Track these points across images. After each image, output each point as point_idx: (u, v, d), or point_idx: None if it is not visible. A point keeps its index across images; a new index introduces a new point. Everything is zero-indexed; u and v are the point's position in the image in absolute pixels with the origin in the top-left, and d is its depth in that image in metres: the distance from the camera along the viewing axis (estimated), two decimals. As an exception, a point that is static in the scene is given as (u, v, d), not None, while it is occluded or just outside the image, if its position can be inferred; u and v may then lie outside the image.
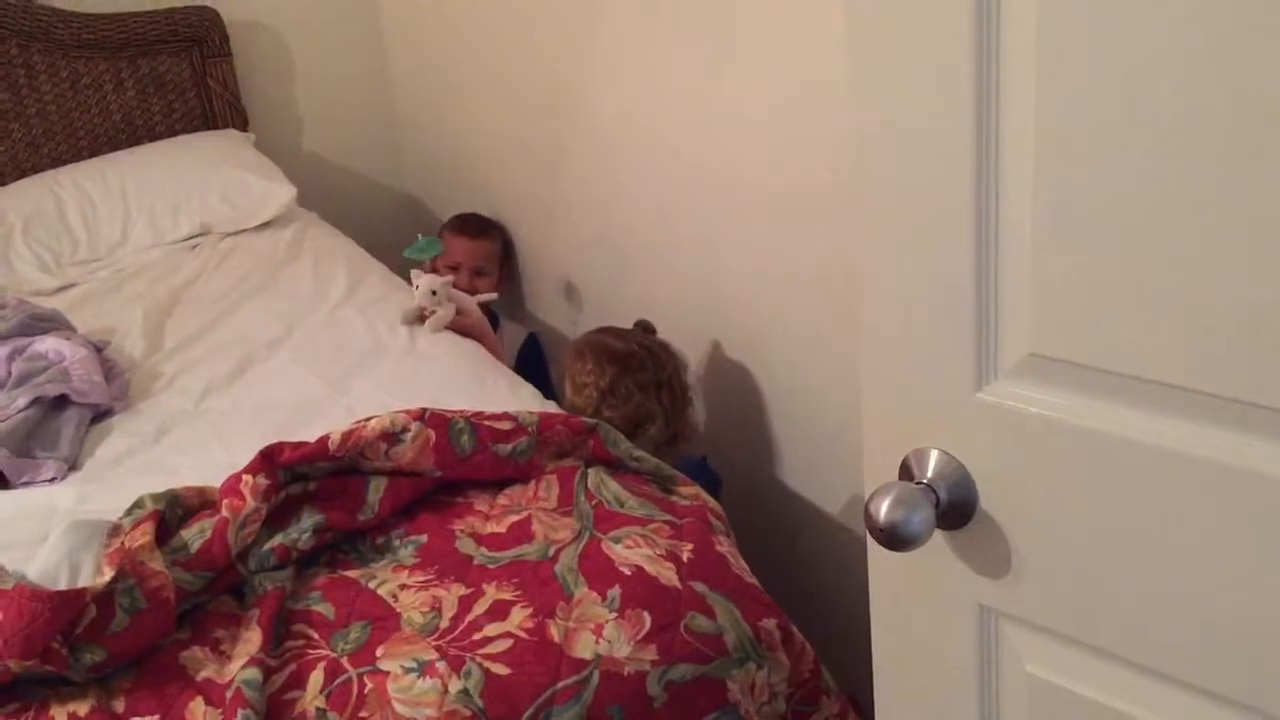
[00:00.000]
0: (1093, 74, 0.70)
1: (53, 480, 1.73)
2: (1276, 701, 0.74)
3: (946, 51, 0.76)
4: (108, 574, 1.32)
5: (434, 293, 2.16)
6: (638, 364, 1.87)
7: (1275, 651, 0.73)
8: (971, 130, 0.77)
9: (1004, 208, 0.78)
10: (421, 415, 1.59)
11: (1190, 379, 0.72)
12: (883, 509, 0.83)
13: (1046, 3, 0.71)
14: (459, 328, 2.20)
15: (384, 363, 2.05)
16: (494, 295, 2.55)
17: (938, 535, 0.88)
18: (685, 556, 1.45)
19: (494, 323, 2.72)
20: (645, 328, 2.03)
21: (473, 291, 2.61)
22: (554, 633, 1.34)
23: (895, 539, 0.84)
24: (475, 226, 2.74)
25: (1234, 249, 0.67)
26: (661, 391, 1.86)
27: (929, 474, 0.87)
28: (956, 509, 0.86)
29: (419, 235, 2.42)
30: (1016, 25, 0.73)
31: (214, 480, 1.55)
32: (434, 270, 2.66)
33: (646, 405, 1.85)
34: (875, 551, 0.95)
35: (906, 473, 0.89)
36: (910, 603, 0.96)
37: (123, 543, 1.39)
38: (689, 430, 1.96)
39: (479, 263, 2.66)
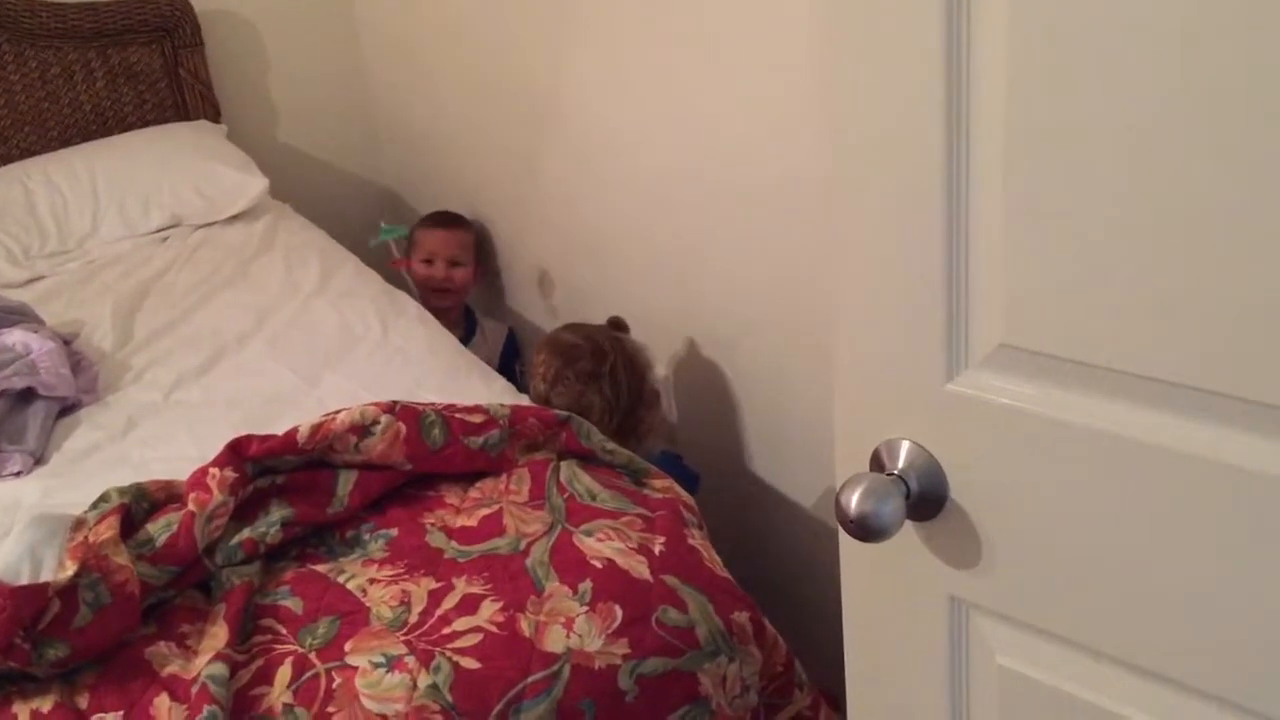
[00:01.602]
0: (1063, 66, 0.70)
1: (18, 474, 1.71)
2: (1245, 692, 0.74)
3: (916, 44, 0.76)
4: (70, 568, 1.30)
5: None
6: (577, 355, 1.90)
7: (1245, 642, 0.73)
8: (942, 122, 0.76)
9: (974, 199, 0.77)
10: (392, 408, 1.58)
11: (1161, 370, 0.72)
12: (853, 500, 0.83)
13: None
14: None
15: (356, 356, 2.04)
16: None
17: (908, 526, 0.88)
18: (657, 550, 1.44)
19: (472, 320, 2.71)
20: (615, 324, 2.03)
21: (449, 283, 2.61)
22: (524, 627, 1.33)
23: (865, 530, 0.83)
24: (448, 218, 2.73)
25: (1206, 240, 0.67)
26: (602, 383, 1.87)
27: (899, 465, 0.87)
28: (927, 500, 0.86)
29: (380, 223, 2.47)
30: (987, 17, 0.72)
31: (184, 474, 1.53)
32: (409, 264, 2.66)
33: (586, 396, 1.87)
34: (846, 543, 0.95)
35: (877, 464, 0.89)
36: (881, 594, 0.96)
37: (86, 537, 1.37)
38: (641, 429, 1.95)
39: (454, 253, 2.65)
